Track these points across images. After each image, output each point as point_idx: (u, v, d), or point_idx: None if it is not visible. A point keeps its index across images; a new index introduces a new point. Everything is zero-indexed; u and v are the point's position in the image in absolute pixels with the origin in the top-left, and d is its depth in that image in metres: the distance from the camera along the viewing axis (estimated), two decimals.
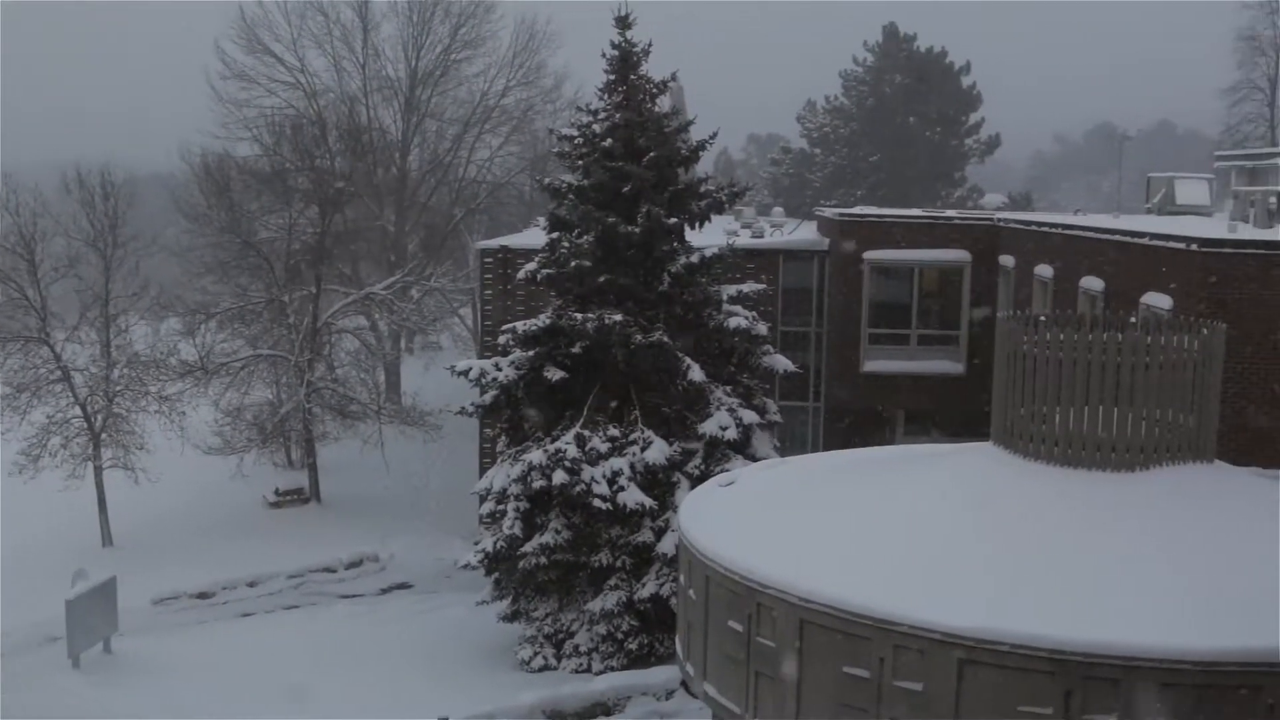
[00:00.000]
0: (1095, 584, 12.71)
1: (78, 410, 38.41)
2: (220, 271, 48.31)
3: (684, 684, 21.02)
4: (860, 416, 35.38)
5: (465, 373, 29.01)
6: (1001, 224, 35.34)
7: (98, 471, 38.17)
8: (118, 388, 39.26)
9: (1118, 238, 25.36)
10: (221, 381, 42.55)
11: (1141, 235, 23.87)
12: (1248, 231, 25.17)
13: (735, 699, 14.56)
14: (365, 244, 56.31)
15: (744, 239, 37.19)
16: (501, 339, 29.24)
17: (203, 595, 33.84)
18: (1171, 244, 22.04)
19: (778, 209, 51.25)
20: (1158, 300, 22.09)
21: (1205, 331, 15.10)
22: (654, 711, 25.75)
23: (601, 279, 28.27)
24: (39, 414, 38.57)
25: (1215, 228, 26.85)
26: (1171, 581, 12.72)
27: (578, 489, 26.65)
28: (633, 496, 26.83)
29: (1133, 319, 16.66)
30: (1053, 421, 15.07)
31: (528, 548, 27.43)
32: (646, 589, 27.33)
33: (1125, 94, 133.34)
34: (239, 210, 47.19)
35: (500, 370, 28.54)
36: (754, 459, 26.81)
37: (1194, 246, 20.78)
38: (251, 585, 34.86)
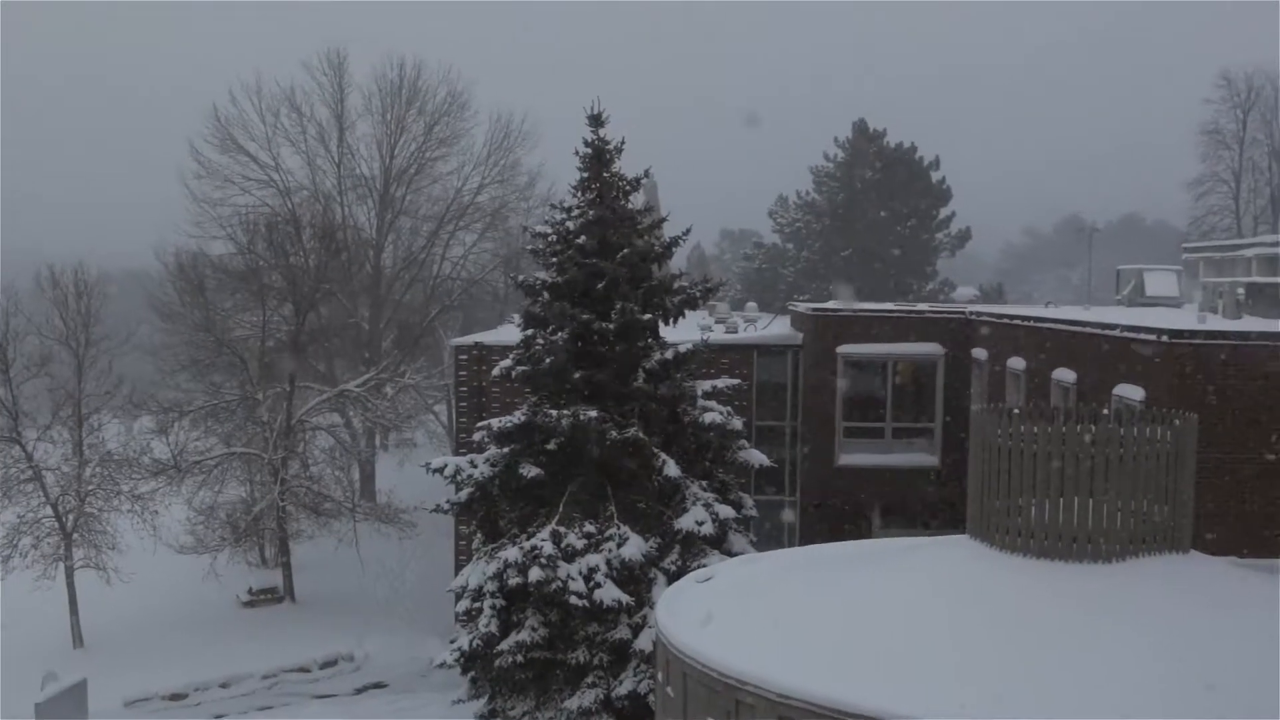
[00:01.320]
0: (1071, 678, 12.70)
1: (49, 510, 38.16)
2: (194, 369, 48.29)
3: None
4: (836, 510, 35.37)
5: (440, 470, 28.96)
6: (973, 317, 35.61)
7: (69, 571, 37.85)
8: (90, 487, 39.04)
9: (1088, 330, 25.59)
10: (195, 480, 42.36)
11: (1112, 327, 24.10)
12: (1217, 322, 25.43)
13: None
14: (339, 341, 56.40)
15: (718, 334, 37.38)
16: (476, 436, 29.23)
17: (175, 697, 33.45)
18: (1142, 335, 22.25)
19: (751, 304, 51.60)
20: (1130, 391, 22.25)
21: (1177, 422, 15.22)
22: None
23: (576, 375, 28.35)
24: (10, 514, 38.30)
25: (1185, 319, 27.13)
26: (1147, 675, 12.72)
27: (554, 586, 26.51)
28: (609, 593, 26.71)
29: (1105, 410, 16.79)
30: (1028, 513, 15.13)
31: (504, 645, 27.23)
32: (624, 686, 27.12)
33: (1093, 187, 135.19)
34: (213, 308, 47.29)
35: (475, 467, 28.50)
36: (730, 554, 26.76)
37: (1165, 339, 20.98)
38: (224, 686, 34.50)
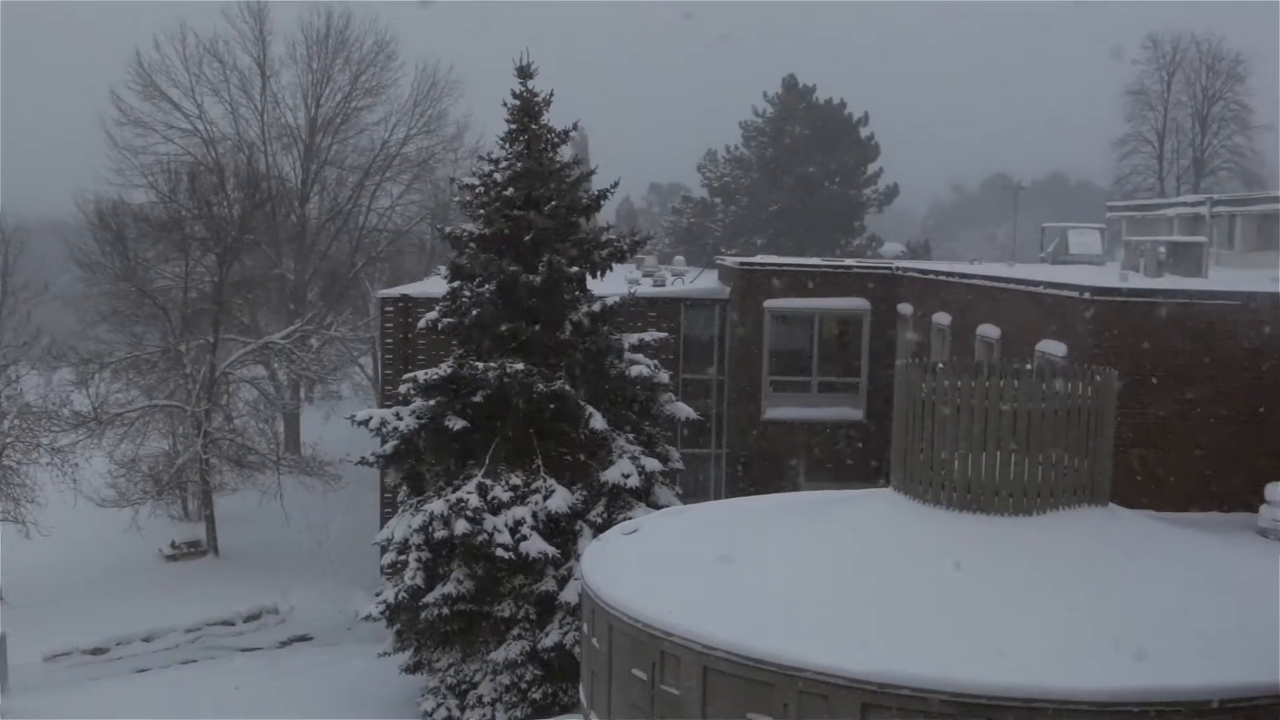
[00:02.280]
0: (994, 627, 12.86)
1: None
2: (115, 320, 47.60)
3: None
4: (762, 463, 35.55)
5: (366, 422, 28.80)
6: (900, 273, 35.80)
7: None
8: (8, 439, 38.47)
9: (1013, 286, 25.79)
10: (116, 432, 41.83)
11: (1036, 284, 24.30)
12: (1139, 280, 25.72)
13: None
14: (264, 292, 55.78)
15: (645, 287, 37.35)
16: (402, 388, 29.07)
17: (96, 651, 33.12)
18: (1065, 293, 22.45)
19: (679, 257, 51.53)
20: (1052, 347, 22.48)
21: (1098, 378, 15.40)
22: None
23: (503, 328, 28.24)
24: None
25: (1108, 277, 27.42)
26: (1068, 623, 12.91)
27: (480, 538, 26.49)
28: (535, 545, 26.72)
29: (1028, 366, 16.96)
30: (951, 467, 15.28)
31: (430, 598, 27.19)
32: (550, 638, 27.18)
33: (1020, 146, 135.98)
34: (134, 258, 46.56)
35: (401, 419, 28.35)
36: (656, 506, 26.83)
37: (1087, 295, 21.18)
38: (147, 640, 34.20)
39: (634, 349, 30.07)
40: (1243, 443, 20.01)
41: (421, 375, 28.25)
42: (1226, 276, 29.72)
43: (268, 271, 55.33)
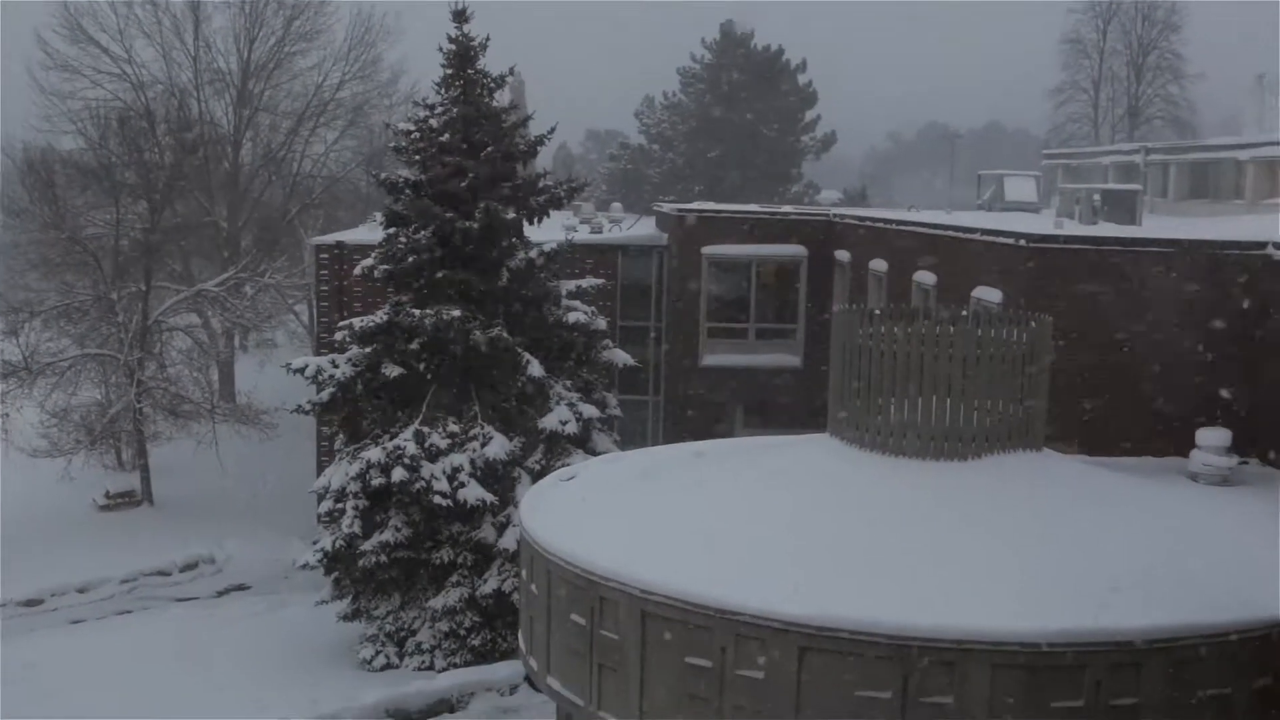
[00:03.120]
0: (929, 570, 12.98)
1: None
2: (45, 268, 46.91)
3: (528, 679, 20.96)
4: (700, 410, 35.63)
5: (301, 370, 28.61)
6: (837, 219, 35.86)
7: None
8: None
9: (949, 233, 25.90)
10: (47, 382, 41.31)
11: (972, 231, 24.41)
12: (1074, 227, 25.89)
13: (579, 692, 14.58)
14: (196, 240, 55.10)
15: (583, 234, 37.25)
16: (338, 336, 28.90)
17: (30, 603, 32.81)
18: (1001, 239, 22.57)
19: (616, 204, 51.43)
20: (988, 294, 22.61)
21: (1033, 324, 15.51)
22: (498, 707, 25.66)
23: (439, 275, 28.09)
24: None
25: (1043, 224, 27.58)
26: (1002, 566, 13.05)
27: (417, 486, 26.45)
28: (473, 493, 26.72)
29: (964, 312, 17.05)
30: (887, 412, 15.36)
31: (367, 546, 27.16)
32: (489, 585, 27.24)
33: (956, 94, 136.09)
34: (63, 205, 45.85)
35: (337, 367, 28.19)
36: (594, 453, 26.88)
37: (1022, 242, 21.30)
38: (82, 591, 33.93)
39: (571, 296, 30.03)
40: (1174, 388, 20.25)
41: (358, 323, 28.10)
42: (1160, 224, 29.98)
43: (200, 219, 54.64)
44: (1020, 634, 12.06)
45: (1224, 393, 20.02)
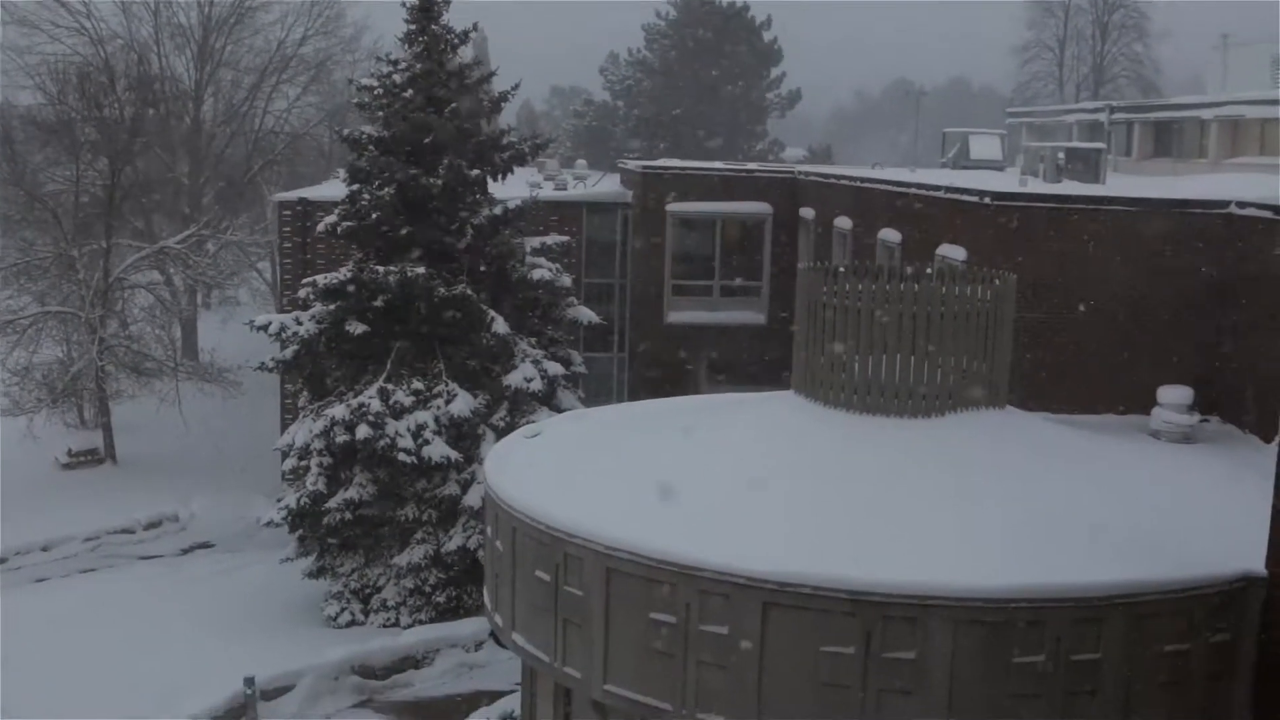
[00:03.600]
0: (892, 527, 13.05)
1: None
2: (3, 225, 46.45)
3: (493, 635, 20.95)
4: (664, 367, 35.66)
5: (265, 327, 28.50)
6: (802, 177, 35.83)
7: None
8: None
9: (914, 191, 25.92)
10: (8, 340, 41.03)
11: (937, 189, 24.42)
12: (1038, 185, 25.93)
13: (544, 648, 14.62)
14: (158, 196, 54.65)
15: (547, 191, 37.15)
16: (301, 293, 28.77)
17: None
18: (965, 197, 22.60)
19: (581, 161, 51.23)
20: (952, 251, 22.65)
21: (997, 282, 15.56)
22: (463, 663, 25.77)
23: (403, 232, 27.98)
24: None
25: (1007, 182, 27.62)
26: (964, 523, 13.13)
27: (382, 443, 26.42)
28: (438, 450, 26.71)
29: (928, 270, 17.08)
30: (851, 370, 15.40)
31: (332, 503, 27.14)
32: (454, 542, 27.27)
33: (921, 52, 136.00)
34: (22, 162, 45.41)
35: (301, 325, 28.08)
36: (559, 410, 26.89)
37: (988, 200, 21.34)
38: (45, 549, 33.80)
39: (536, 253, 29.96)
40: (1137, 347, 20.36)
41: (321, 280, 27.97)
42: (1124, 183, 30.06)
43: (162, 175, 54.22)
44: (982, 590, 12.14)
45: (1186, 351, 20.15)
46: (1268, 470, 12.99)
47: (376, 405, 26.66)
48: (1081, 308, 20.38)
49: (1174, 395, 18.90)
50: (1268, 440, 18.10)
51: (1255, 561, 12.76)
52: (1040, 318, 20.24)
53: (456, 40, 29.61)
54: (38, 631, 26.75)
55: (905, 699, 12.35)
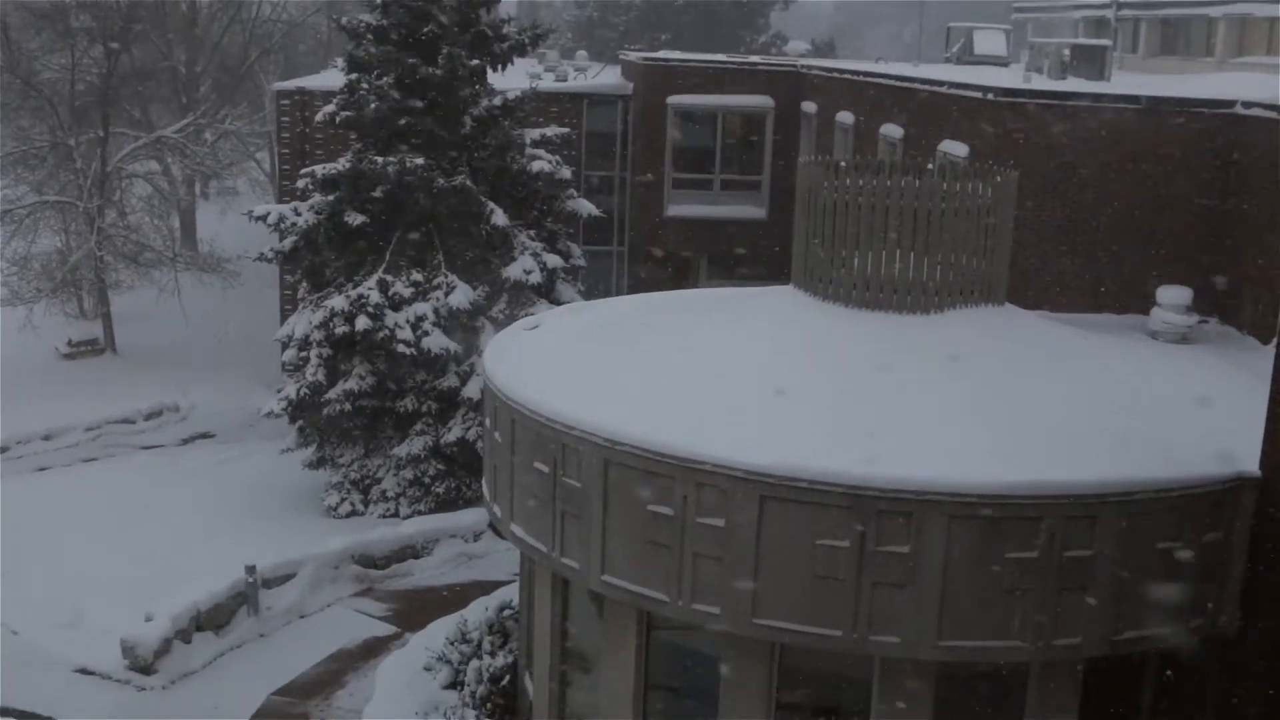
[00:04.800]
0: (889, 422, 13.12)
1: None
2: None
3: (492, 526, 21.21)
4: (664, 261, 35.61)
5: (264, 218, 28.40)
6: (804, 70, 35.53)
7: None
8: None
9: (917, 86, 25.72)
10: (6, 229, 40.86)
11: (940, 84, 24.24)
12: (1042, 82, 25.73)
13: (542, 539, 14.76)
14: (155, 85, 54.12)
15: (547, 82, 36.84)
16: (300, 183, 28.64)
17: None
18: (968, 93, 22.44)
19: (581, 52, 50.75)
20: (954, 148, 22.54)
21: (999, 178, 15.49)
22: (462, 553, 25.97)
23: (402, 122, 27.76)
24: None
25: (1011, 78, 27.40)
26: (960, 419, 13.20)
27: (381, 335, 26.45)
28: (437, 341, 26.74)
29: (930, 165, 17.01)
30: (851, 265, 15.39)
31: (331, 394, 27.22)
32: (453, 433, 27.40)
33: None
34: (17, 49, 44.88)
35: (300, 215, 27.98)
36: (558, 303, 26.89)
37: (991, 95, 21.19)
38: (47, 439, 33.90)
39: (535, 145, 29.79)
40: (1137, 246, 20.33)
41: (320, 170, 27.84)
42: (1129, 81, 29.81)
43: (158, 63, 53.62)
44: (977, 486, 12.24)
45: (1186, 251, 20.13)
46: (1264, 372, 13.06)
47: (375, 297, 26.65)
48: (1082, 205, 20.33)
49: (1173, 296, 18.90)
50: (1265, 342, 18.15)
51: (1249, 462, 12.87)
52: (1041, 215, 20.20)
53: None
54: (39, 520, 26.95)
55: (899, 592, 12.51)
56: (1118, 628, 12.79)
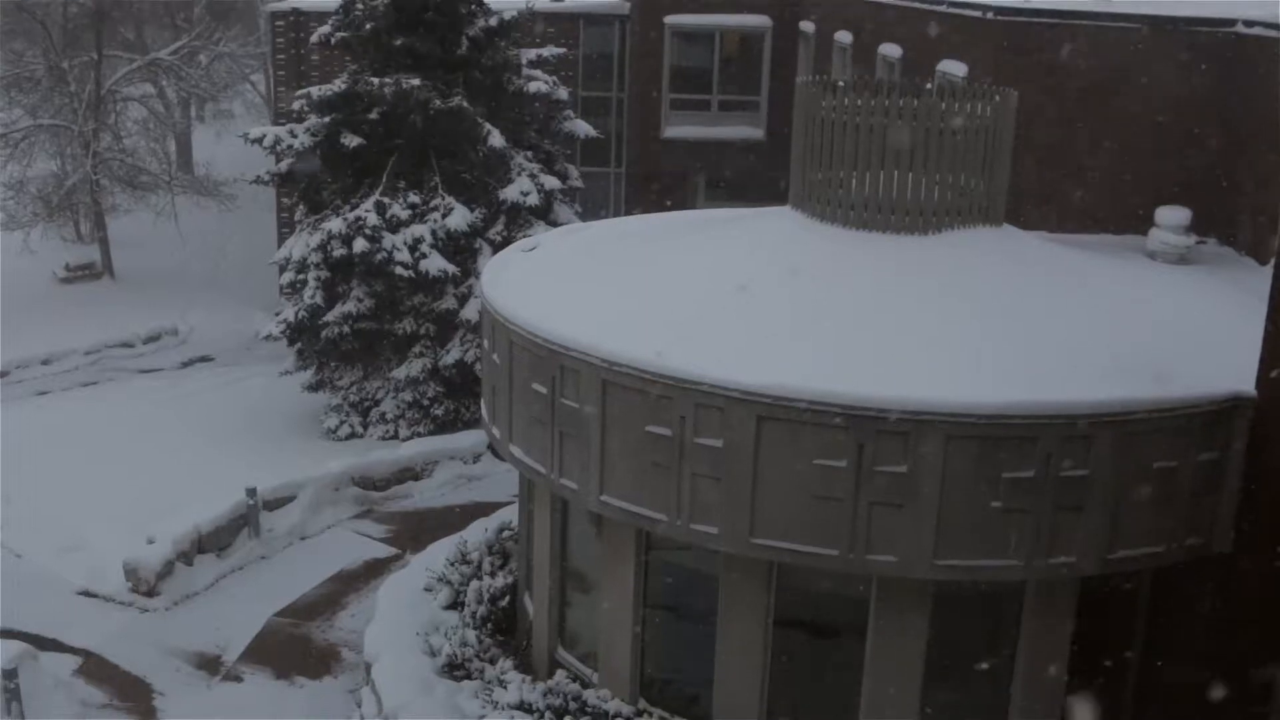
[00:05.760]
0: (886, 342, 13.13)
1: None
2: None
3: (491, 447, 21.26)
4: (661, 182, 35.48)
5: (259, 140, 28.28)
6: None
7: None
8: None
9: (915, 4, 25.50)
10: (1, 153, 40.68)
11: (939, 2, 24.02)
12: (1042, 0, 25.50)
13: (541, 460, 14.82)
14: (148, 6, 53.68)
15: (544, 2, 36.49)
16: (296, 105, 28.51)
17: None
18: (967, 12, 22.24)
19: None
20: (954, 67, 22.37)
21: (998, 99, 15.40)
22: (461, 475, 26.09)
23: (398, 42, 27.56)
24: None
25: None
26: (957, 338, 13.20)
27: (379, 257, 26.42)
28: (435, 263, 26.71)
29: (928, 85, 16.91)
30: (849, 185, 15.33)
31: (330, 317, 27.24)
32: (451, 355, 27.45)
33: None
34: None
35: (296, 137, 27.86)
36: (556, 225, 26.82)
37: (991, 15, 21.01)
38: (46, 363, 33.95)
39: (532, 65, 29.61)
40: (1137, 166, 20.23)
41: (315, 92, 27.69)
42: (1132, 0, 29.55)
43: None
44: (974, 406, 12.27)
45: (1185, 171, 20.05)
46: (1262, 292, 13.04)
47: (373, 219, 26.58)
48: (1081, 125, 20.22)
49: (1171, 216, 18.81)
50: (1263, 262, 18.11)
51: (1246, 382, 12.89)
52: (1040, 135, 20.09)
53: None
54: (40, 444, 27.04)
55: (896, 512, 12.58)
56: (1113, 547, 12.86)
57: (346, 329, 27.31)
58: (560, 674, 16.18)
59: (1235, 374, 12.93)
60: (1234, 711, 13.37)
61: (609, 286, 15.23)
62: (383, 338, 28.13)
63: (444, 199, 27.41)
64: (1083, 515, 12.64)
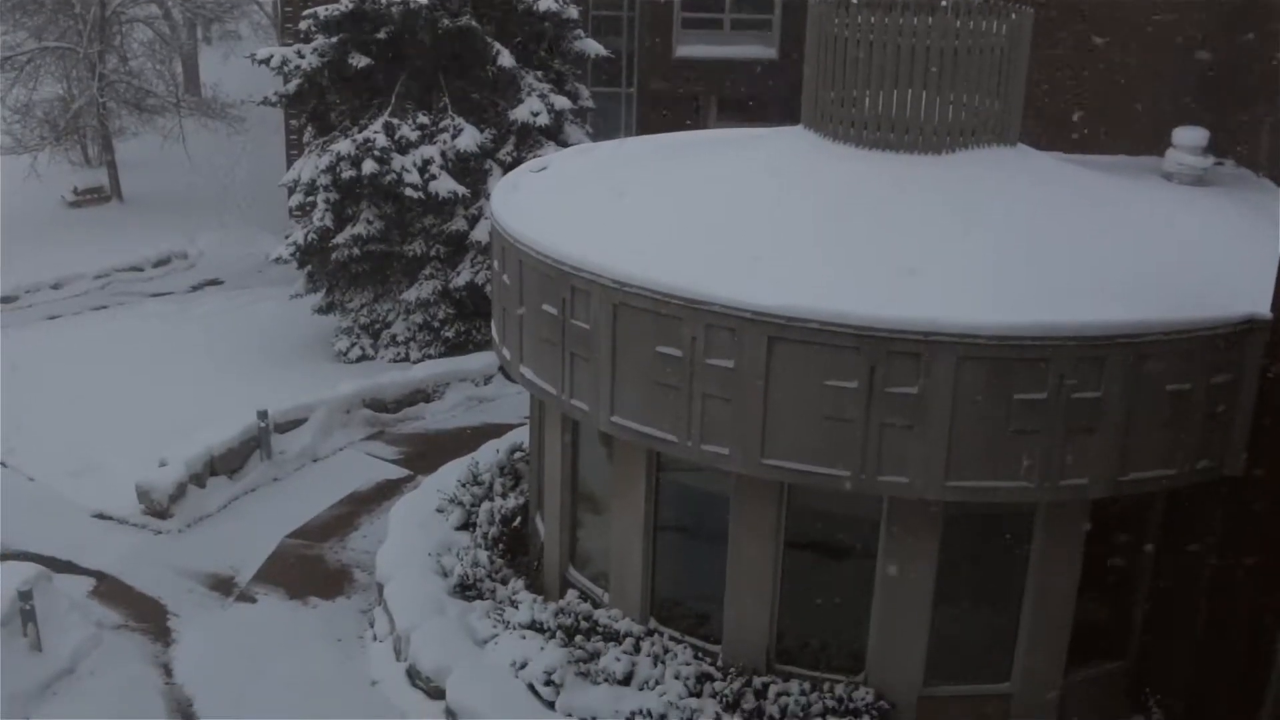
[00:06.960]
0: (899, 262, 13.04)
1: None
2: None
3: (501, 369, 21.30)
4: (673, 102, 35.19)
5: (267, 61, 28.03)
6: None
7: None
8: None
9: None
10: (6, 76, 40.42)
11: None
12: None
13: (552, 381, 14.81)
14: None
15: None
16: (303, 25, 28.20)
17: (5, 300, 32.83)
18: None
19: None
20: None
21: (1014, 16, 15.20)
22: (472, 397, 26.11)
23: None
24: None
25: None
26: (970, 259, 13.11)
27: (388, 178, 26.27)
28: (445, 185, 26.57)
29: (943, 3, 16.68)
30: (862, 105, 15.18)
31: (339, 239, 27.15)
32: (461, 277, 27.36)
33: None
34: None
35: (303, 58, 27.61)
36: (566, 145, 26.64)
37: None
38: (56, 288, 33.98)
39: None
40: (1154, 85, 20.00)
41: (322, 11, 27.38)
42: None
43: None
44: (986, 326, 12.20)
45: (1203, 91, 19.81)
46: (1278, 215, 12.92)
47: (382, 140, 26.40)
48: (1099, 42, 19.97)
49: (1189, 137, 18.57)
50: None
51: (1260, 305, 12.79)
52: (1056, 53, 19.85)
53: None
54: (51, 368, 27.09)
55: (907, 433, 12.55)
56: (1124, 469, 12.84)
57: (356, 251, 27.22)
58: (571, 594, 16.27)
59: (1250, 296, 12.84)
60: (1241, 635, 13.41)
61: (619, 207, 15.14)
62: (393, 260, 28.05)
63: (453, 120, 27.21)
64: (1094, 437, 12.60)
